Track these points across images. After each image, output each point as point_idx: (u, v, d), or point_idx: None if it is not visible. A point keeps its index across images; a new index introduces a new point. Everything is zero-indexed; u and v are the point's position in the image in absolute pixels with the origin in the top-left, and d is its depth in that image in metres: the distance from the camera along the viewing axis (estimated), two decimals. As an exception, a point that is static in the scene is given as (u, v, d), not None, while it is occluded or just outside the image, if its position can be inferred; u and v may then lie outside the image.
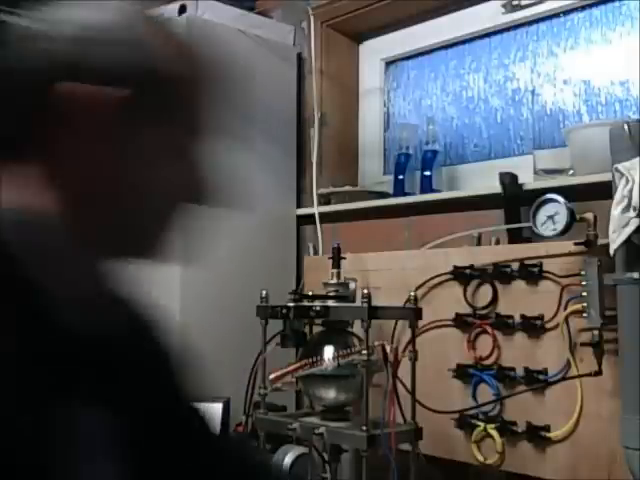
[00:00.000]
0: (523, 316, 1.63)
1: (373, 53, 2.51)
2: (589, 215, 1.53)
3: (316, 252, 2.29)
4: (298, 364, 1.51)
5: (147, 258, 0.73)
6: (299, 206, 2.41)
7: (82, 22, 0.68)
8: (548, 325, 1.60)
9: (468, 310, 1.74)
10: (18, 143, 0.67)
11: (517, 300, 1.66)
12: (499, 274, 1.68)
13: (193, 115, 0.74)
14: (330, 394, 1.53)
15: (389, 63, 2.49)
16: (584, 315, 1.49)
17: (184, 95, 0.73)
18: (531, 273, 1.62)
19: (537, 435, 1.59)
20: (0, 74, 0.66)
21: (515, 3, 2.10)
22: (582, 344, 1.53)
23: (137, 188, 0.69)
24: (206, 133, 0.76)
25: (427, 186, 2.12)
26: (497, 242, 1.81)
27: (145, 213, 0.71)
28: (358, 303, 1.48)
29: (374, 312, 1.44)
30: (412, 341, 1.53)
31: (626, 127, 1.38)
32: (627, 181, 1.34)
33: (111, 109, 0.67)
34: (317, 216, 2.29)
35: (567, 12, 2.03)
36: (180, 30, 0.77)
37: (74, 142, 0.67)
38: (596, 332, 1.48)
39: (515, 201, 1.79)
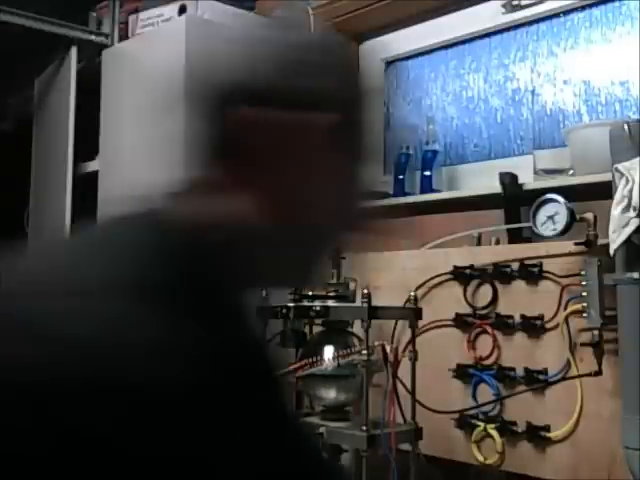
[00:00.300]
0: (523, 316, 1.63)
1: (373, 53, 2.51)
2: (589, 215, 1.53)
3: (316, 252, 2.29)
4: (298, 364, 1.51)
5: (304, 283, 0.71)
6: (299, 206, 2.41)
7: (288, 42, 0.68)
8: (548, 325, 1.59)
9: (468, 310, 1.74)
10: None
11: (517, 300, 1.66)
12: (499, 274, 1.68)
13: (360, 139, 0.72)
14: (330, 394, 1.53)
15: (389, 63, 2.49)
16: (584, 315, 1.49)
17: (355, 119, 0.71)
18: (531, 273, 1.62)
19: (537, 435, 1.59)
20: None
21: (515, 3, 2.10)
22: (582, 344, 1.53)
23: (313, 215, 0.68)
24: (368, 157, 0.73)
25: (427, 186, 2.12)
26: (497, 242, 1.81)
27: (313, 240, 0.69)
28: (358, 303, 1.48)
29: (374, 312, 1.44)
30: (412, 341, 1.53)
31: (626, 127, 1.38)
32: (627, 181, 1.34)
33: (319, 135, 0.66)
34: (317, 216, 2.29)
35: (567, 12, 2.03)
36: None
37: (283, 166, 0.66)
38: (596, 332, 1.48)
39: (515, 201, 1.79)
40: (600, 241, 1.49)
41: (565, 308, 1.56)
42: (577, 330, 1.55)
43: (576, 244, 1.52)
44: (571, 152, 1.78)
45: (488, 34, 2.20)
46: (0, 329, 0.52)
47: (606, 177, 1.46)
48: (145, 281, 0.56)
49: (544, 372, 1.60)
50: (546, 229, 1.56)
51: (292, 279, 0.71)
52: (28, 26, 2.35)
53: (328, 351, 1.51)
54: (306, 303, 1.56)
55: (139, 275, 0.56)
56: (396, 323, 1.76)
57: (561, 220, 1.53)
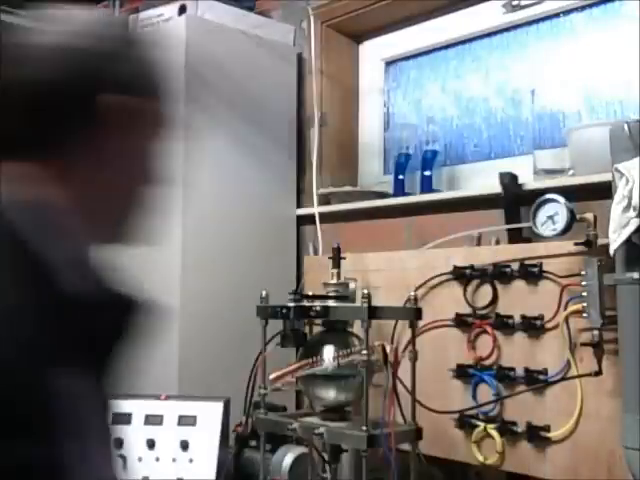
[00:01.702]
0: (523, 316, 1.63)
1: (373, 53, 2.51)
2: (589, 215, 1.53)
3: (316, 252, 2.29)
4: (298, 364, 1.51)
5: (119, 242, 0.83)
6: (299, 206, 2.41)
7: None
8: (548, 325, 1.59)
9: (468, 310, 1.74)
10: (37, 145, 0.75)
11: (517, 300, 1.66)
12: (499, 274, 1.68)
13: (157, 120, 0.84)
14: (330, 394, 1.53)
15: (389, 63, 2.49)
16: (584, 315, 1.49)
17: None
18: (531, 273, 1.62)
19: (537, 435, 1.59)
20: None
21: (515, 3, 2.10)
22: (582, 344, 1.53)
23: (115, 183, 0.80)
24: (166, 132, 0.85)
25: (427, 186, 2.12)
26: (497, 242, 1.81)
27: (117, 204, 0.81)
28: (358, 303, 1.48)
29: (374, 312, 1.44)
30: (412, 341, 1.53)
31: (626, 127, 1.38)
32: (627, 181, 1.34)
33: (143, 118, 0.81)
34: (317, 216, 2.29)
35: (567, 12, 2.03)
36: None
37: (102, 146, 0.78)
38: (596, 332, 1.48)
39: (515, 201, 1.79)
40: (600, 241, 1.49)
41: (565, 308, 1.56)
42: (577, 330, 1.55)
43: (576, 244, 1.52)
44: (571, 152, 1.78)
45: (488, 34, 2.21)
46: None
47: (606, 177, 1.46)
48: None
49: (544, 372, 1.60)
50: (546, 229, 1.56)
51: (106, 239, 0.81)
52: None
53: (328, 351, 1.51)
54: (306, 303, 1.56)
55: None
56: (396, 323, 1.76)
57: (561, 220, 1.53)
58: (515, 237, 1.76)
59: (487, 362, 1.70)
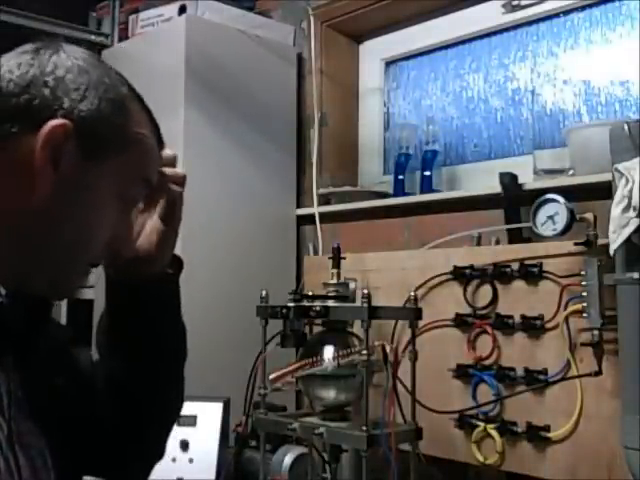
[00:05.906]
0: (523, 316, 1.63)
1: (373, 53, 2.51)
2: (589, 215, 1.53)
3: (316, 252, 2.29)
4: (298, 364, 1.51)
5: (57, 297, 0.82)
6: (299, 206, 2.41)
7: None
8: (548, 325, 1.59)
9: (468, 310, 1.74)
10: None
11: (517, 300, 1.66)
12: (499, 274, 1.68)
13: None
14: (330, 394, 1.53)
15: (389, 63, 2.49)
16: (584, 315, 1.49)
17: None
18: (531, 273, 1.62)
19: (537, 435, 1.59)
20: None
21: (515, 3, 2.10)
22: (582, 344, 1.53)
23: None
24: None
25: (427, 186, 2.12)
26: (497, 242, 1.81)
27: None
28: (358, 303, 1.48)
29: (374, 312, 1.44)
30: (412, 341, 1.53)
31: (626, 127, 1.38)
32: (627, 181, 1.34)
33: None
34: (317, 216, 2.29)
35: (567, 12, 2.04)
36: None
37: None
38: (596, 332, 1.48)
39: (515, 201, 1.79)
40: (600, 241, 1.49)
41: (565, 308, 1.56)
42: (577, 330, 1.55)
43: (576, 244, 1.52)
44: (571, 152, 1.78)
45: (488, 34, 2.21)
46: None
47: (606, 177, 1.46)
48: None
49: (544, 372, 1.60)
50: (546, 229, 1.56)
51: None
52: (28, 26, 2.35)
53: (328, 351, 1.51)
54: (306, 303, 1.56)
55: None
56: (396, 323, 1.76)
57: (561, 220, 1.53)
58: (515, 237, 1.76)
59: (487, 362, 1.70)
